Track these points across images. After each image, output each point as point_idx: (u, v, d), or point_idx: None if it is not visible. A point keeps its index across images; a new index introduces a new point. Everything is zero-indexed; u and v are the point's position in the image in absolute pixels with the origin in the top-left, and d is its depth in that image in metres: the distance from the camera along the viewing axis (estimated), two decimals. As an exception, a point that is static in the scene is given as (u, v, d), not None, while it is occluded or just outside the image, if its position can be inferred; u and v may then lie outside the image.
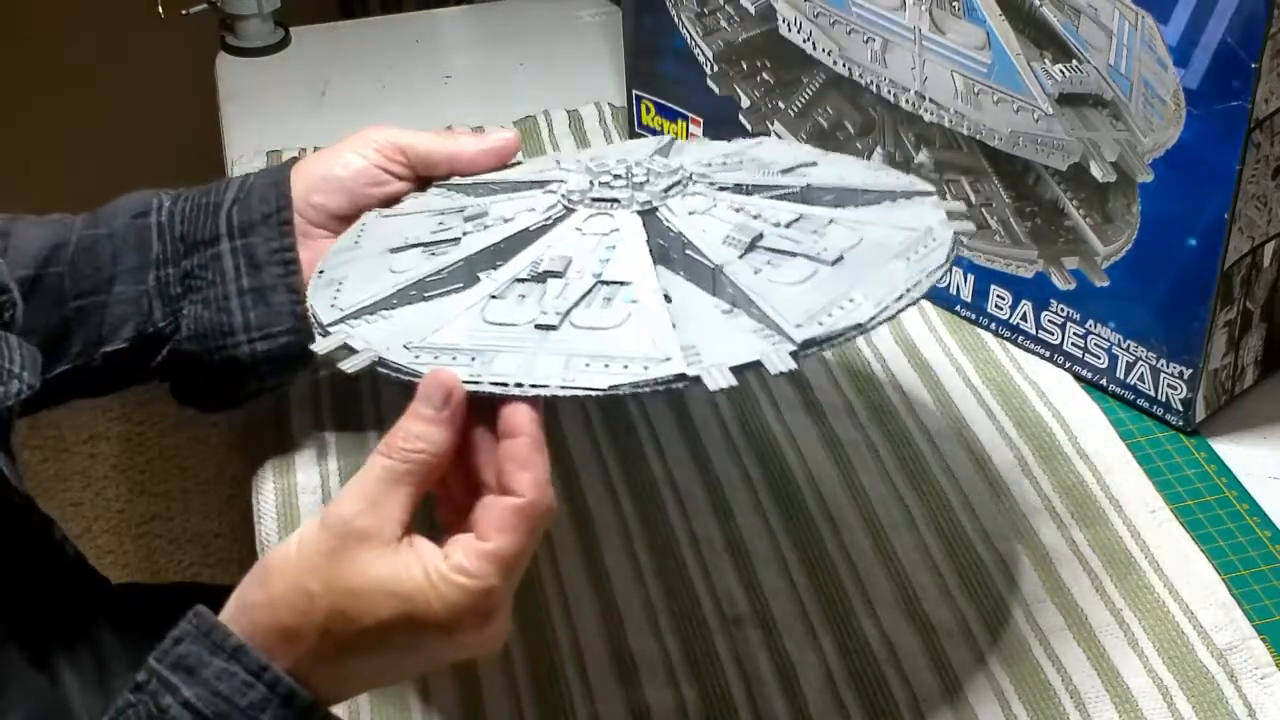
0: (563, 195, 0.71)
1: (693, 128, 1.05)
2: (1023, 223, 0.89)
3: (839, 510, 0.82)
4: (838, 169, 0.76)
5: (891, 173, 0.77)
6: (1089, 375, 0.90)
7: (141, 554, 1.93)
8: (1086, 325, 0.88)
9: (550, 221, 0.70)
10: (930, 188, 0.74)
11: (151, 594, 1.02)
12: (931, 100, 0.89)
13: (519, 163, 0.83)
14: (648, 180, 0.71)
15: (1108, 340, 0.88)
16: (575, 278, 0.66)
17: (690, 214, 0.69)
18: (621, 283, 0.65)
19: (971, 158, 0.89)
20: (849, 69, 0.93)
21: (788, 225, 0.68)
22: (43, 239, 0.81)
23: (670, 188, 0.71)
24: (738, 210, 0.70)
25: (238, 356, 0.80)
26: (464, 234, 0.71)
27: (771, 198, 0.72)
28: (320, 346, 0.67)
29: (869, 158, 0.95)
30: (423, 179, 0.82)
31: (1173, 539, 0.80)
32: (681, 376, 0.60)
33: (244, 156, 1.15)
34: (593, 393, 0.60)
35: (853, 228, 0.69)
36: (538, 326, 0.63)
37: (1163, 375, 0.86)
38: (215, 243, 0.81)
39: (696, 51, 1.02)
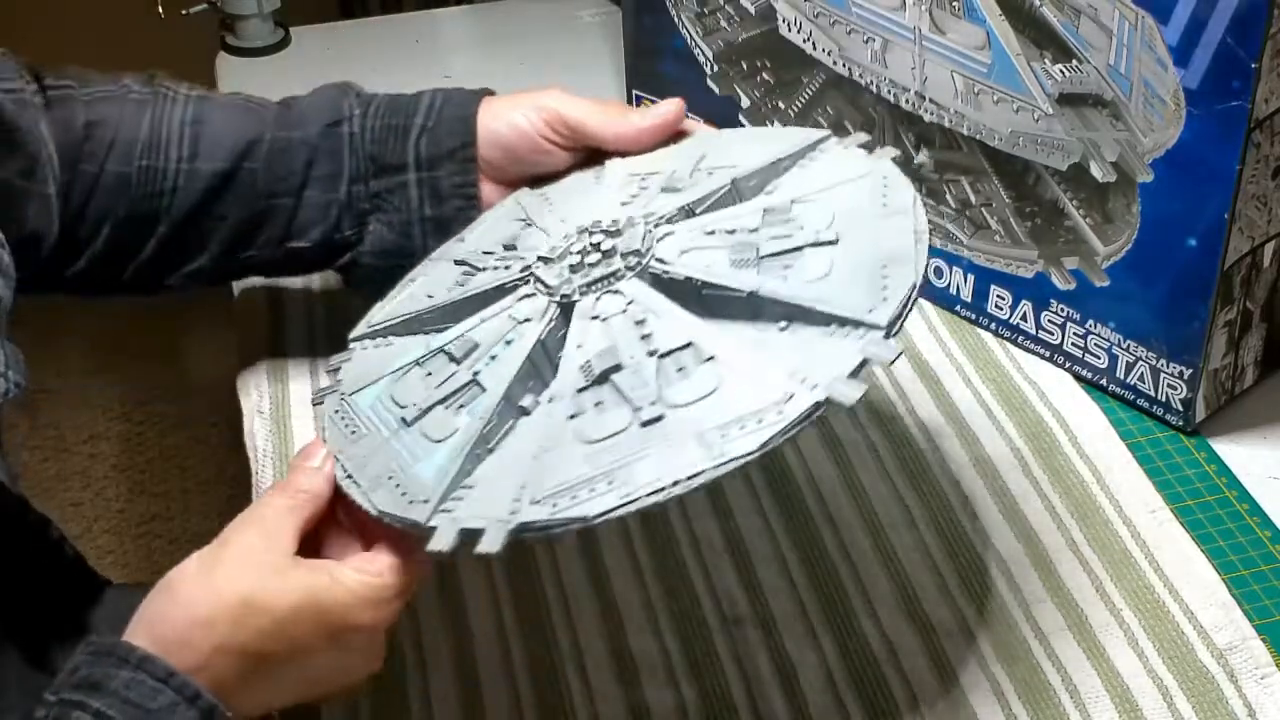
0: (551, 297, 0.71)
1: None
2: (1023, 223, 0.89)
3: (839, 510, 0.82)
4: (843, 257, 0.68)
5: (893, 274, 0.67)
6: (1089, 375, 0.90)
7: (141, 554, 1.93)
8: (1086, 325, 0.88)
9: (555, 324, 0.70)
10: (883, 320, 0.63)
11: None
12: (931, 100, 0.89)
13: (685, 134, 0.82)
14: (616, 245, 0.70)
15: (1108, 340, 0.88)
16: (465, 368, 0.69)
17: (592, 318, 0.68)
18: (482, 388, 0.68)
19: (971, 158, 0.89)
20: (849, 69, 0.93)
21: (664, 355, 0.65)
22: (237, 132, 0.84)
23: (599, 281, 0.69)
24: (638, 324, 0.67)
25: None
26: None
27: (718, 296, 0.68)
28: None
29: (869, 158, 0.95)
30: (590, 151, 0.82)
31: (1173, 539, 0.80)
32: (417, 525, 0.63)
33: (244, 156, 1.14)
34: (372, 512, 0.65)
35: (720, 373, 0.64)
36: (401, 419, 0.68)
37: (1163, 375, 0.86)
38: (402, 170, 0.83)
39: (696, 51, 1.02)
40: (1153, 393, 0.87)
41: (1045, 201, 0.87)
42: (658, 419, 0.63)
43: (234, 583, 0.61)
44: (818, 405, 0.60)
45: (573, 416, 0.65)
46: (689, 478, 0.60)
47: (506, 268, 0.74)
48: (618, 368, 0.65)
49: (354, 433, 0.70)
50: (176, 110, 0.84)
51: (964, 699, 0.72)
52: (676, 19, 1.02)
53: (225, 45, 1.31)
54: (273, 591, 0.61)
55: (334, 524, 0.67)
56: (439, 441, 0.66)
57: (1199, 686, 0.72)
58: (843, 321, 0.64)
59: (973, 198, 0.90)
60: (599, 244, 0.71)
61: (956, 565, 0.79)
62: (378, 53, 1.30)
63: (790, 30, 0.95)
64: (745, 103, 1.01)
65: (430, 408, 0.69)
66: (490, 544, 0.60)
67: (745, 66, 1.00)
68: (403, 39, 1.33)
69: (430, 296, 0.75)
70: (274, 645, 0.61)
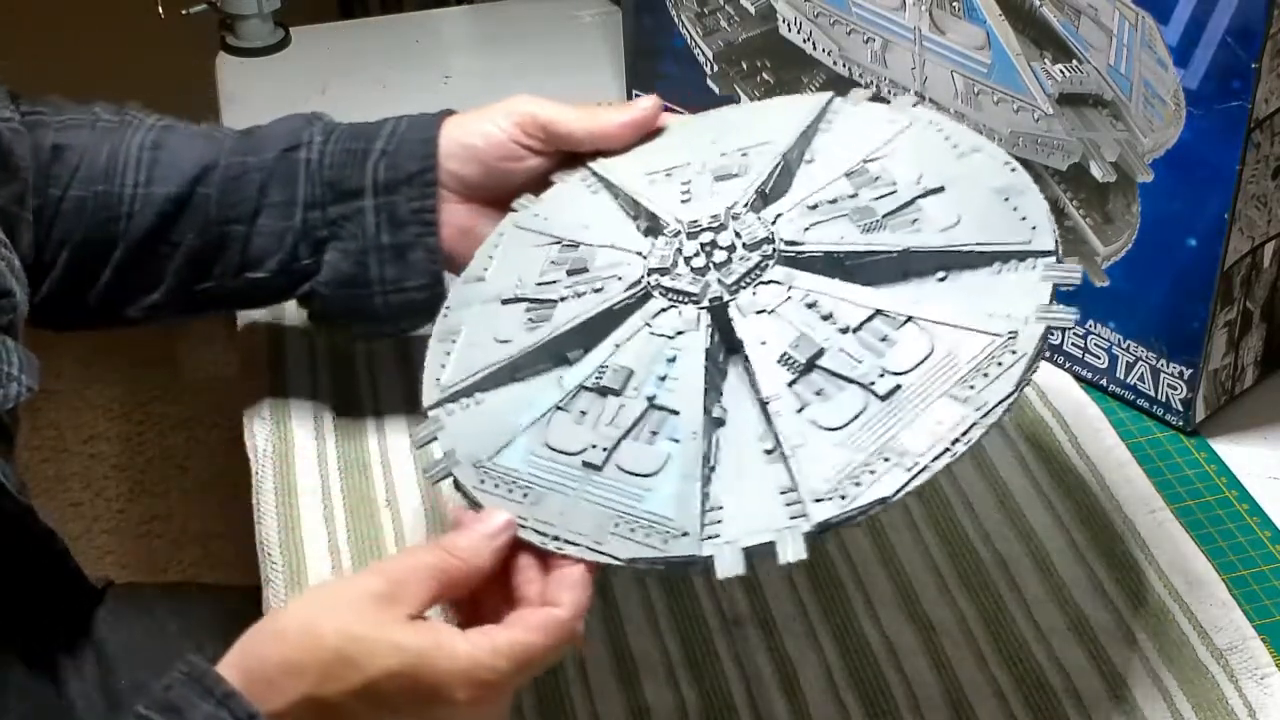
0: (647, 272, 0.71)
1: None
2: (1023, 223, 0.89)
3: (839, 510, 0.82)
4: (962, 198, 0.70)
5: (1022, 202, 0.68)
6: (1089, 375, 0.90)
7: (141, 554, 1.93)
8: (1086, 325, 0.88)
9: (632, 301, 0.70)
10: (1049, 244, 0.66)
11: (153, 594, 1.03)
12: (931, 100, 0.89)
13: (663, 128, 0.81)
14: (730, 259, 0.69)
15: (1108, 340, 0.88)
16: (631, 397, 0.66)
17: (759, 312, 0.67)
18: (672, 411, 0.65)
19: (971, 158, 0.89)
20: (849, 69, 0.93)
21: (857, 329, 0.65)
22: (194, 158, 0.83)
23: (746, 275, 0.68)
24: (810, 306, 0.66)
25: (371, 306, 0.82)
26: (561, 298, 0.72)
27: (867, 263, 0.68)
28: (416, 436, 0.70)
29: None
30: (565, 154, 0.81)
31: (1173, 539, 0.80)
32: (693, 559, 0.60)
33: (244, 156, 1.14)
34: (614, 563, 0.61)
35: (927, 330, 0.64)
36: (585, 464, 0.65)
37: (1163, 375, 0.86)
38: (359, 196, 0.81)
39: (696, 51, 1.02)
40: (1153, 393, 0.87)
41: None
42: (895, 389, 0.62)
43: (335, 633, 0.59)
44: (1045, 335, 0.61)
45: (800, 410, 0.63)
46: (964, 434, 0.59)
47: (596, 290, 0.71)
48: (820, 353, 0.64)
49: (526, 495, 0.65)
50: (137, 136, 0.84)
51: (964, 699, 0.72)
52: (676, 19, 1.02)
53: (225, 45, 1.31)
54: (372, 650, 0.59)
55: (494, 591, 0.63)
56: (653, 475, 0.63)
57: (1199, 686, 0.72)
58: (1006, 256, 0.65)
59: (973, 198, 0.90)
60: (714, 241, 0.70)
61: (956, 565, 0.79)
62: (378, 53, 1.30)
63: (790, 30, 0.95)
64: (746, 102, 1.01)
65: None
66: (793, 553, 0.59)
67: (745, 66, 1.00)
68: (403, 39, 1.33)
69: (507, 342, 0.71)
70: (361, 706, 0.59)
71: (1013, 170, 0.70)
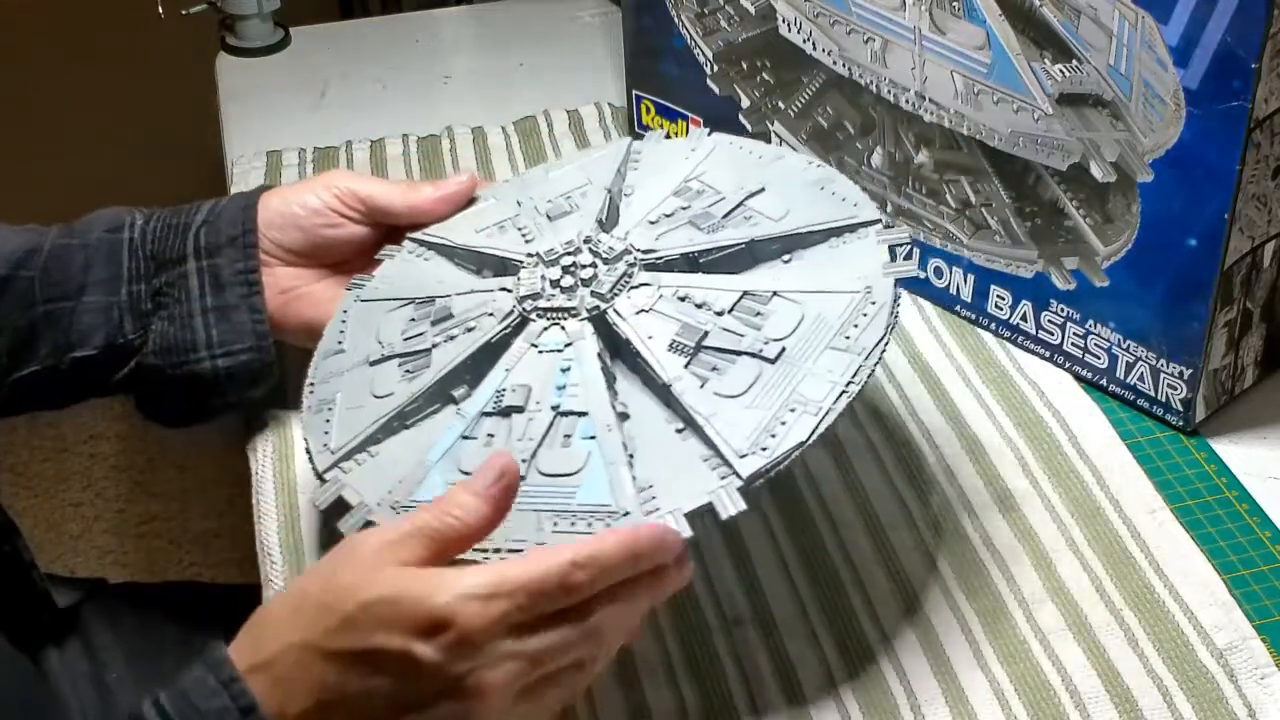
0: (518, 300, 0.74)
1: (692, 128, 1.05)
2: (1023, 223, 0.89)
3: (839, 510, 0.82)
4: (784, 194, 0.78)
5: (837, 188, 0.78)
6: (1089, 375, 0.90)
7: (141, 554, 1.93)
8: (1086, 325, 0.88)
9: (509, 330, 0.74)
10: (875, 214, 0.75)
11: (150, 592, 1.03)
12: (931, 100, 0.89)
13: (476, 198, 0.87)
14: (596, 274, 0.74)
15: (1108, 340, 0.88)
16: (535, 410, 0.70)
17: (637, 312, 0.72)
18: (579, 413, 0.69)
19: (971, 158, 0.89)
20: (849, 69, 0.93)
21: (731, 310, 0.71)
22: (17, 244, 0.84)
23: (617, 283, 0.73)
24: (682, 299, 0.72)
25: (199, 372, 0.83)
26: (433, 345, 0.76)
27: (719, 258, 0.75)
28: (319, 499, 0.72)
29: (869, 158, 0.95)
30: (382, 225, 0.85)
31: (1173, 539, 0.80)
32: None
33: (244, 156, 1.15)
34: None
35: (795, 300, 0.71)
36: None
37: (1163, 375, 0.86)
38: (182, 262, 0.83)
39: (696, 51, 1.02)
40: (1153, 393, 0.87)
41: (1045, 201, 0.87)
42: (781, 352, 0.69)
43: (320, 586, 0.59)
44: (896, 284, 0.69)
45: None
46: (854, 375, 0.67)
47: (469, 330, 0.76)
48: (705, 335, 0.70)
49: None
50: None
51: (964, 700, 0.72)
52: (676, 19, 1.02)
53: (225, 45, 1.31)
54: (355, 588, 0.58)
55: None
56: (577, 472, 0.67)
57: (1199, 686, 0.72)
58: (839, 231, 0.74)
59: (973, 198, 0.90)
60: (576, 262, 0.75)
61: (956, 565, 0.79)
62: (378, 53, 1.30)
63: (790, 30, 0.95)
64: (745, 103, 1.01)
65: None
66: (734, 505, 0.64)
67: (745, 66, 1.00)
68: (403, 39, 1.33)
69: (388, 395, 0.74)
70: (342, 637, 0.58)
71: (819, 167, 0.79)
